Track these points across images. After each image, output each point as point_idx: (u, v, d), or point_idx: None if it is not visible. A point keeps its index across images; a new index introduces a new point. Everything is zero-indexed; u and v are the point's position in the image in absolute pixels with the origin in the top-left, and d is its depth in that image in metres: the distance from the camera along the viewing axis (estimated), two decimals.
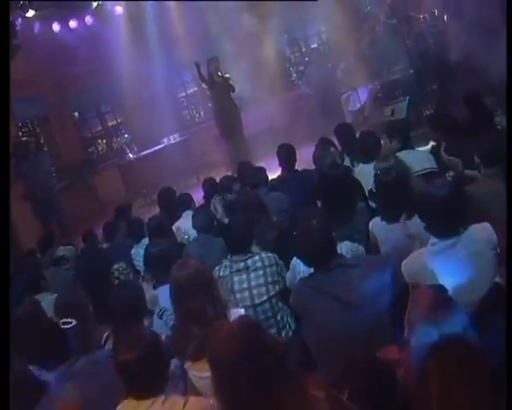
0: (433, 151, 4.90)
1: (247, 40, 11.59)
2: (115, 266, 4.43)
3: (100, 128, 12.98)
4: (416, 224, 3.26)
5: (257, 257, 3.70)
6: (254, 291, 3.63)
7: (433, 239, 2.81)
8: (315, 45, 12.90)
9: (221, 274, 3.75)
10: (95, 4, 11.50)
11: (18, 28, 10.20)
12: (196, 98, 12.96)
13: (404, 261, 2.91)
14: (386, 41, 9.73)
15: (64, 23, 11.55)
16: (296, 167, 5.70)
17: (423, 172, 4.52)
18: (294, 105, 11.43)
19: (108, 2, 11.59)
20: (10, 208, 5.99)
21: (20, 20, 10.23)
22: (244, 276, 3.68)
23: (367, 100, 9.79)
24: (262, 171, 5.45)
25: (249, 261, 3.69)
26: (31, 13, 10.36)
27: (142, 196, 10.65)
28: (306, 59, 12.44)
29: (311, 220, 2.86)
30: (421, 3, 10.15)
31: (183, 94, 13.25)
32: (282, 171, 5.80)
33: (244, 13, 11.65)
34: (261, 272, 3.65)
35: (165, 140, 10.75)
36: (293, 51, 13.28)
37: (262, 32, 11.68)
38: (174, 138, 10.80)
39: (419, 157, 4.67)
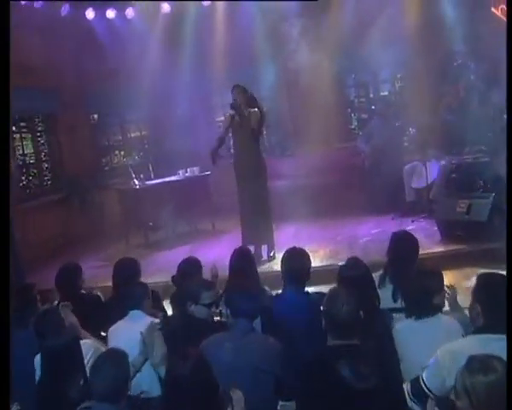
0: None
1: (305, 71, 9.55)
2: None
3: (120, 138, 11.25)
4: None
5: None
6: None
7: None
8: (385, 93, 10.73)
9: None
10: None
11: (38, 7, 8.76)
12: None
13: None
14: (476, 109, 7.50)
15: (100, 11, 10.00)
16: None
17: None
18: (347, 161, 9.24)
19: None
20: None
21: None
22: None
23: (436, 179, 7.44)
24: (249, 299, 3.31)
25: None
26: None
27: (141, 232, 8.77)
28: (373, 107, 10.25)
29: None
30: None
31: (222, 118, 11.33)
32: (283, 288, 3.81)
33: (310, 43, 9.56)
34: None
35: (180, 172, 8.84)
36: (358, 95, 11.14)
37: (324, 67, 9.56)
38: (192, 172, 8.89)
39: None
